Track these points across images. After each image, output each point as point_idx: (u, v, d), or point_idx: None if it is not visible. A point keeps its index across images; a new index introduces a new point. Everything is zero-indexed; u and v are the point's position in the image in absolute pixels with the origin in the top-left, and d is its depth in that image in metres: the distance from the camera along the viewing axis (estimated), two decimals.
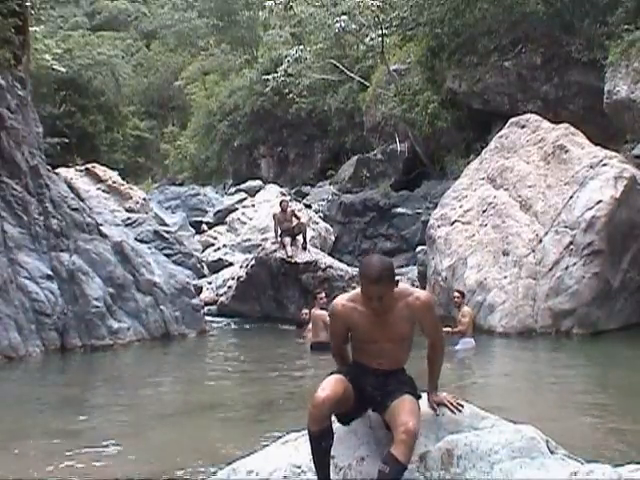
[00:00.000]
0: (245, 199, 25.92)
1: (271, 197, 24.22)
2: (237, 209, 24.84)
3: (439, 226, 15.40)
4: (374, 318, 3.64)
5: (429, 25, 22.08)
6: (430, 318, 3.72)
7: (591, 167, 13.58)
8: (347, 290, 16.29)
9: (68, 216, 13.40)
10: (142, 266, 13.84)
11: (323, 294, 12.98)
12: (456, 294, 12.39)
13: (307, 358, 12.00)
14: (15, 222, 12.58)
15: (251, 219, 23.34)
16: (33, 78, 18.58)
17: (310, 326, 12.85)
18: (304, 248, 16.21)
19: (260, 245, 17.71)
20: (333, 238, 22.07)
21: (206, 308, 16.11)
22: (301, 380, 10.28)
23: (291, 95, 30.23)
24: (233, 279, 17.41)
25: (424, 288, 16.15)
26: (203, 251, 21.88)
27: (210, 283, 18.62)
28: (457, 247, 14.64)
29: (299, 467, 3.70)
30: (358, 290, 3.71)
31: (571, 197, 13.46)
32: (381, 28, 24.93)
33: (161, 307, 13.67)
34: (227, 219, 24.38)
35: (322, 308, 12.40)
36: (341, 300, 3.77)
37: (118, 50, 42.57)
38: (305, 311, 13.37)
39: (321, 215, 23.04)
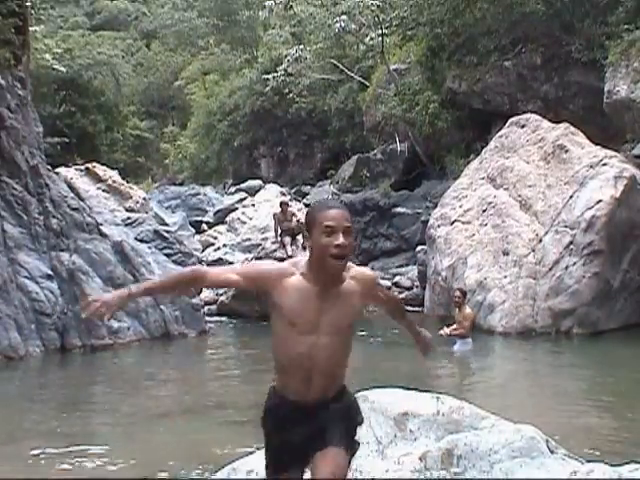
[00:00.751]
0: (245, 199, 25.89)
1: (271, 197, 24.20)
2: (237, 209, 24.81)
3: (439, 226, 15.40)
4: (316, 295, 2.86)
5: (429, 25, 22.07)
6: (381, 289, 3.28)
7: (591, 167, 13.58)
8: None
9: (68, 216, 13.40)
10: (142, 266, 13.83)
11: None
12: (457, 293, 12.23)
13: None
14: (15, 222, 12.57)
15: (251, 219, 23.32)
16: (33, 78, 18.58)
17: None
18: (304, 248, 16.22)
19: (260, 245, 17.71)
20: None
21: (206, 308, 16.10)
22: None
23: (291, 95, 30.21)
24: None
25: (424, 288, 16.17)
26: (203, 251, 21.86)
27: None
28: (457, 247, 14.64)
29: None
30: (302, 259, 2.96)
31: (571, 197, 13.46)
32: (381, 28, 24.92)
33: (161, 307, 13.66)
34: (227, 219, 24.35)
35: None
36: (281, 263, 3.05)
37: (118, 50, 42.53)
38: None
39: None
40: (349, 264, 2.94)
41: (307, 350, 2.85)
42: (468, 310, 12.00)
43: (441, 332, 11.60)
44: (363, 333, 14.27)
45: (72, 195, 13.96)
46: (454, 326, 11.79)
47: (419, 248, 17.52)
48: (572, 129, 14.72)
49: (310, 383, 2.87)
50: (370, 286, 3.06)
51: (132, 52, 50.74)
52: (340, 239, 2.81)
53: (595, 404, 8.25)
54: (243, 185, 28.87)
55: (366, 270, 3.15)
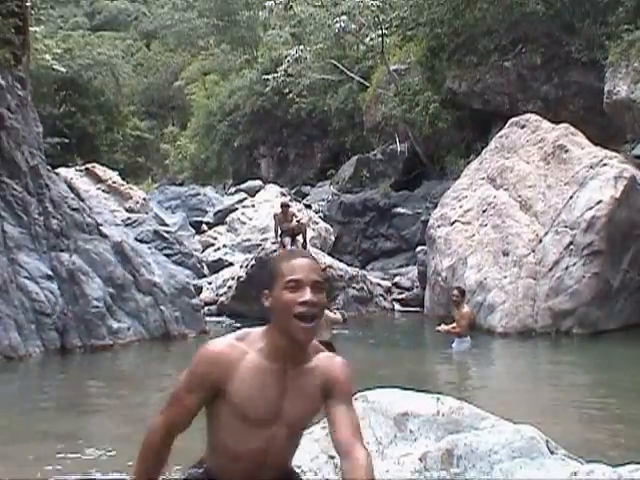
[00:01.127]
0: (245, 199, 25.90)
1: (271, 197, 24.21)
2: (237, 209, 24.81)
3: (439, 226, 15.40)
4: (276, 376, 2.29)
5: (429, 25, 22.08)
6: (351, 403, 2.37)
7: (591, 167, 13.58)
8: (347, 290, 16.35)
9: (68, 216, 13.40)
10: (142, 266, 13.83)
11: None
12: (455, 292, 12.14)
13: None
14: (15, 222, 12.57)
15: (251, 219, 23.33)
16: (33, 78, 18.60)
17: None
18: (304, 248, 16.21)
19: (260, 245, 17.71)
20: (333, 238, 22.05)
21: (206, 308, 16.11)
22: None
23: (291, 95, 30.23)
24: (233, 279, 17.40)
25: (424, 289, 16.16)
26: (203, 251, 21.87)
27: (210, 283, 18.61)
28: (457, 247, 14.64)
29: (299, 467, 3.69)
30: (252, 331, 2.38)
31: (571, 197, 13.46)
32: (381, 28, 24.93)
33: (161, 307, 13.66)
34: (227, 219, 24.36)
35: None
36: (223, 340, 2.33)
37: (118, 50, 42.53)
38: None
39: (321, 215, 23.03)
40: (316, 344, 2.40)
41: (261, 445, 2.30)
42: (466, 309, 11.97)
43: (438, 328, 11.75)
44: (362, 333, 14.29)
45: (72, 195, 13.96)
46: (453, 325, 11.80)
47: (419, 248, 17.52)
48: (572, 129, 14.72)
49: (257, 476, 2.35)
50: (335, 383, 2.34)
51: (132, 52, 50.76)
52: (307, 295, 2.26)
53: (595, 404, 8.25)
54: (243, 185, 28.89)
55: (337, 358, 2.42)
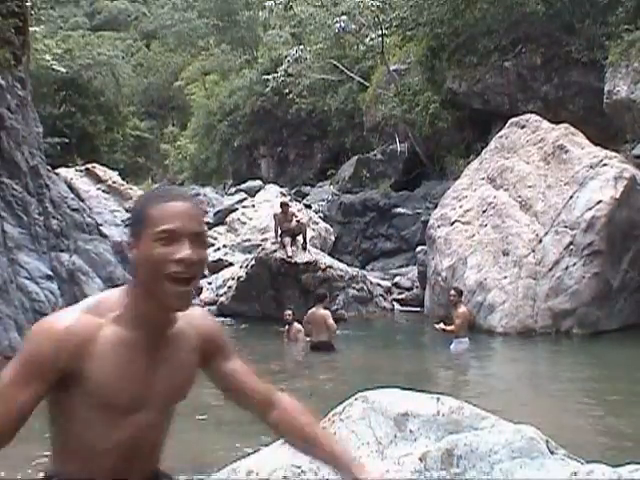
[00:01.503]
0: (245, 199, 25.92)
1: (271, 197, 24.22)
2: (237, 209, 24.84)
3: (439, 226, 15.40)
4: (142, 349, 1.83)
5: (429, 25, 22.09)
6: (233, 351, 2.08)
7: (591, 167, 13.58)
8: (347, 290, 16.34)
9: (68, 216, 13.40)
10: None
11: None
12: (452, 292, 12.32)
13: (307, 358, 11.99)
14: (15, 222, 12.57)
15: (251, 219, 23.34)
16: (33, 78, 18.59)
17: (294, 326, 12.85)
18: (304, 248, 16.21)
19: (260, 245, 17.70)
20: (333, 238, 22.06)
21: (206, 308, 16.08)
22: (301, 380, 10.27)
23: (291, 95, 30.24)
24: (233, 279, 17.41)
25: (424, 289, 16.17)
26: None
27: (210, 283, 18.62)
28: (457, 247, 14.64)
29: (299, 467, 3.69)
30: (105, 296, 1.90)
31: (571, 197, 13.46)
32: (381, 28, 24.94)
33: None
34: (227, 219, 24.38)
35: (325, 307, 12.40)
36: (68, 314, 1.81)
37: (118, 50, 42.56)
38: (288, 312, 13.28)
39: (321, 215, 23.04)
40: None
41: (130, 436, 1.84)
42: (462, 309, 12.03)
43: (436, 326, 11.94)
44: (362, 333, 14.29)
45: (72, 196, 13.97)
46: (451, 328, 11.88)
47: (419, 248, 17.52)
48: (572, 129, 14.72)
49: (126, 477, 1.89)
50: (213, 341, 1.99)
51: (132, 52, 50.78)
52: (185, 251, 1.75)
53: (595, 404, 8.25)
54: (243, 185, 28.91)
55: (207, 314, 2.06)
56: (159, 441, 1.98)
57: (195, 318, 1.95)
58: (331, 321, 12.10)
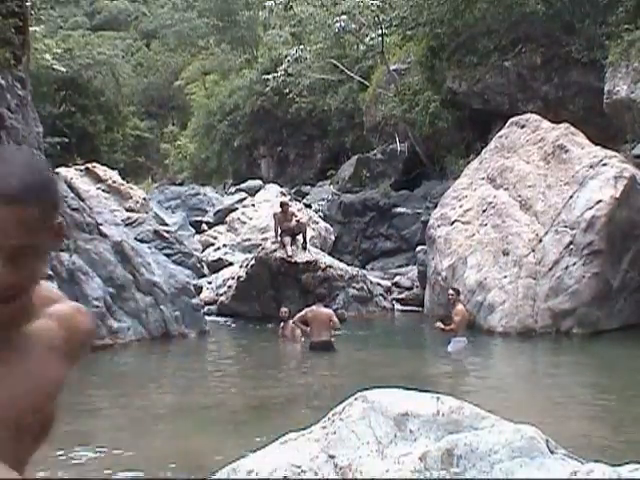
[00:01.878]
0: (245, 199, 25.92)
1: (271, 197, 24.22)
2: (237, 209, 24.83)
3: (439, 226, 15.40)
4: None
5: (429, 25, 22.08)
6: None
7: (591, 167, 13.58)
8: (347, 290, 16.35)
9: (68, 216, 13.39)
10: (142, 266, 13.83)
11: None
12: (450, 292, 12.45)
13: (307, 358, 11.99)
14: None
15: (251, 219, 23.34)
16: (33, 78, 18.58)
17: (289, 324, 12.86)
18: (304, 248, 16.21)
19: (260, 245, 17.71)
20: (333, 238, 22.06)
21: (206, 308, 16.10)
22: (301, 380, 10.28)
23: (291, 95, 30.23)
24: (233, 279, 17.41)
25: (424, 288, 16.17)
26: (203, 251, 21.87)
27: (210, 283, 18.61)
28: (457, 247, 14.64)
29: (299, 467, 3.70)
30: None
31: (571, 197, 13.46)
32: (381, 28, 24.93)
33: (161, 307, 13.66)
34: (227, 219, 24.37)
35: (326, 306, 12.40)
36: None
37: (118, 50, 42.52)
38: (284, 309, 13.27)
39: (321, 215, 23.04)
40: (48, 292, 1.46)
41: None
42: (459, 307, 12.07)
43: (435, 324, 12.07)
44: (362, 333, 14.29)
45: (72, 195, 13.95)
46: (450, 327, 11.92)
47: (419, 248, 17.52)
48: (572, 129, 14.72)
49: None
50: (77, 334, 1.48)
51: (132, 52, 50.77)
52: None
53: (595, 404, 8.25)
54: (243, 185, 28.91)
55: (76, 306, 1.52)
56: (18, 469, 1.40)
57: (63, 307, 1.49)
58: (336, 319, 12.12)
